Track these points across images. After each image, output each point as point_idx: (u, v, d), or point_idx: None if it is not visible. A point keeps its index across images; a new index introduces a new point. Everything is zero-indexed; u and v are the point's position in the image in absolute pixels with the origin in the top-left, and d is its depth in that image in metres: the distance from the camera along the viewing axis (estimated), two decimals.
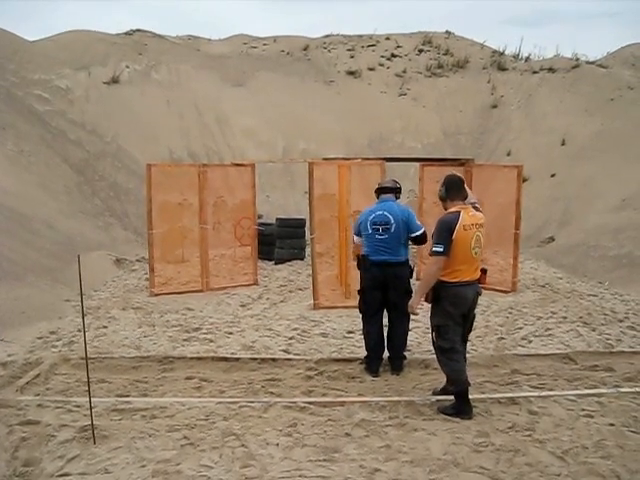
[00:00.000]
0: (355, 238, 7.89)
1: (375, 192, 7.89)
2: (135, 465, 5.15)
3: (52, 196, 16.14)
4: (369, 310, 7.61)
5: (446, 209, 6.24)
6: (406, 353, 7.80)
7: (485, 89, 26.36)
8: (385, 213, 7.44)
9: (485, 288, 11.68)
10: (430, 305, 6.30)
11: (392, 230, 7.38)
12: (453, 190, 6.22)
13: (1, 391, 6.78)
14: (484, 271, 6.33)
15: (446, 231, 5.97)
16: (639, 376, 7.25)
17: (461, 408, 6.17)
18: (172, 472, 5.04)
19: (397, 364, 7.54)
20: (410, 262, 7.67)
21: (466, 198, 6.26)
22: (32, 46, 23.79)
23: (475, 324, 9.33)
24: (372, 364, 7.50)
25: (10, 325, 9.11)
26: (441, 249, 5.95)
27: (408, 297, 7.49)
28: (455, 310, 6.10)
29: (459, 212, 6.05)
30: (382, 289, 7.46)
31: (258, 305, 10.93)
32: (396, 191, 7.80)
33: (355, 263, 8.04)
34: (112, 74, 23.20)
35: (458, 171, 12.28)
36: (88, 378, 5.84)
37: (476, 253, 6.08)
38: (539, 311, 10.33)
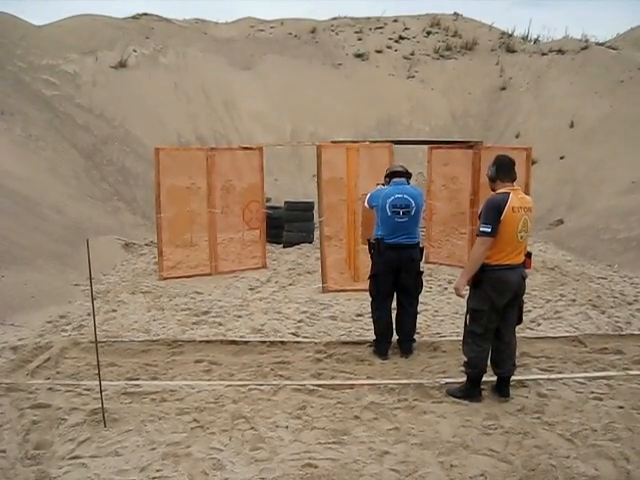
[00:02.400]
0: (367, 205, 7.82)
1: (386, 177, 7.82)
2: (145, 448, 5.19)
3: (60, 181, 16.16)
4: (380, 295, 7.59)
5: (494, 190, 6.11)
6: (415, 336, 7.80)
7: (493, 71, 26.22)
8: (406, 196, 7.39)
9: None
10: (469, 288, 6.13)
11: (412, 213, 7.38)
12: (504, 171, 6.08)
13: (12, 375, 6.83)
14: (529, 255, 6.20)
15: (494, 211, 5.84)
16: None
17: (471, 392, 6.17)
18: (182, 455, 5.07)
19: (407, 347, 7.54)
20: (421, 244, 7.66)
21: (515, 180, 6.13)
22: (39, 31, 23.76)
23: None
24: (381, 347, 7.50)
25: (20, 309, 9.15)
26: (489, 229, 5.81)
27: (419, 279, 7.51)
28: (496, 295, 5.95)
29: (508, 193, 5.91)
30: (395, 272, 7.45)
31: (267, 288, 10.94)
32: (407, 176, 7.74)
33: (366, 248, 7.95)
34: (119, 58, 23.15)
35: (467, 154, 12.29)
36: (98, 362, 5.87)
37: (522, 237, 5.92)
38: (548, 294, 10.32)
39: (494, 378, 6.34)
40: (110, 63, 22.90)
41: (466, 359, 6.23)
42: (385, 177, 7.85)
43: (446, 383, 6.47)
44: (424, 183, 14.31)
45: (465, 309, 6.23)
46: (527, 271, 6.23)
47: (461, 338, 7.82)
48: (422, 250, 7.69)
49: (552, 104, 23.04)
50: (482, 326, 6.03)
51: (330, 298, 10.17)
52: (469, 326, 6.15)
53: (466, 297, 6.19)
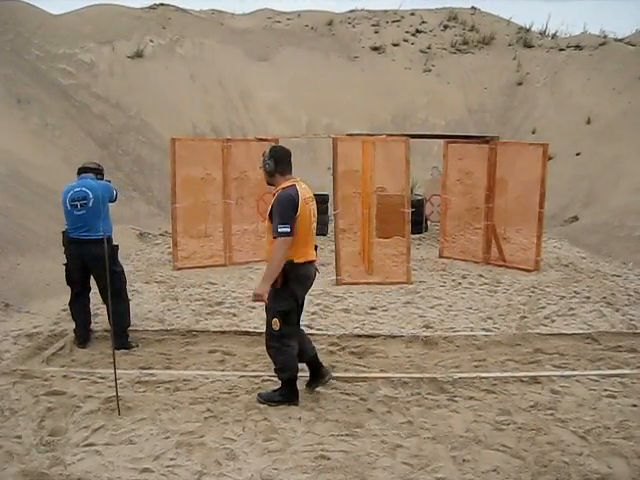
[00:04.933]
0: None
1: (77, 173, 7.76)
2: (159, 436, 5.22)
3: (76, 170, 16.22)
4: (74, 287, 7.53)
5: (273, 184, 5.86)
6: (429, 331, 7.83)
7: (511, 66, 26.10)
8: (84, 189, 7.37)
9: (508, 267, 11.76)
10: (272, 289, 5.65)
11: (90, 205, 7.31)
12: (282, 162, 5.80)
13: (27, 362, 6.88)
14: (315, 247, 5.97)
15: (291, 208, 5.55)
16: None
17: (290, 395, 5.94)
18: (195, 444, 5.09)
19: (119, 343, 7.13)
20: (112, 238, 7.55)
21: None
22: (56, 20, 23.84)
23: (497, 302, 9.43)
24: (81, 336, 7.53)
25: (35, 297, 9.22)
26: (288, 229, 5.48)
27: (115, 276, 7.18)
28: (302, 292, 5.83)
29: (295, 185, 5.71)
30: (84, 268, 7.39)
31: None
32: (97, 172, 7.75)
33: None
34: (136, 48, 23.23)
35: (482, 149, 12.25)
36: (114, 350, 5.93)
37: (314, 228, 5.83)
38: (562, 290, 10.27)
39: (506, 374, 6.33)
40: (127, 53, 22.99)
41: (279, 365, 5.90)
42: (77, 174, 7.77)
43: (459, 378, 6.46)
44: (439, 178, 14.29)
45: (272, 312, 5.77)
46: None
47: (474, 333, 7.90)
48: (114, 247, 7.50)
49: (569, 100, 22.93)
50: (292, 325, 5.84)
51: (344, 291, 10.16)
52: (280, 330, 5.75)
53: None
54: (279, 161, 5.78)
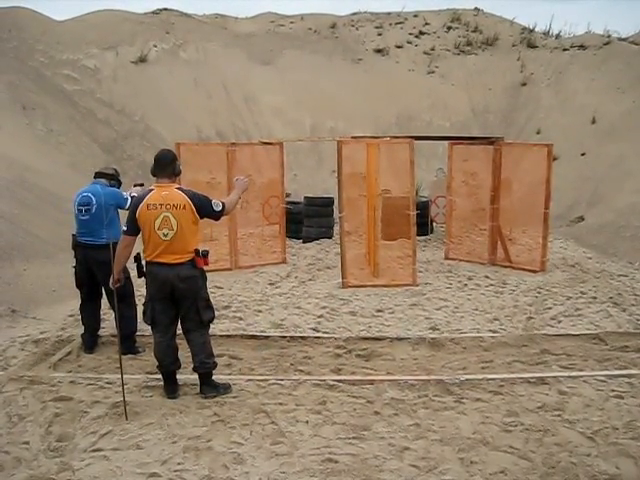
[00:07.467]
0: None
1: (93, 177, 7.79)
2: (166, 441, 5.22)
3: (82, 175, 16.21)
4: (82, 290, 7.56)
5: None
6: (435, 333, 7.83)
7: (514, 67, 26.04)
8: (89, 194, 7.40)
9: (514, 268, 11.71)
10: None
11: (93, 211, 7.33)
12: (157, 166, 6.07)
13: (34, 368, 6.90)
14: (198, 253, 5.96)
15: (132, 209, 5.97)
16: None
17: (164, 388, 6.21)
18: (203, 448, 5.10)
19: (126, 346, 7.21)
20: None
21: (175, 175, 6.11)
22: (60, 26, 23.93)
23: (503, 303, 9.38)
24: (88, 341, 7.56)
25: (42, 303, 9.24)
26: (125, 227, 6.02)
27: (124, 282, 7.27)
28: (153, 289, 5.98)
29: (152, 190, 5.94)
30: (89, 271, 7.39)
31: (287, 283, 10.94)
32: (110, 177, 7.73)
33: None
34: (140, 53, 23.28)
35: (487, 150, 12.23)
36: (120, 355, 5.94)
37: (165, 235, 5.83)
38: (568, 291, 10.23)
39: (513, 375, 6.32)
40: (130, 58, 23.04)
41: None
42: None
43: (466, 379, 6.45)
44: (444, 179, 14.27)
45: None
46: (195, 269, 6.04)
47: (480, 335, 7.90)
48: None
49: (573, 100, 22.88)
50: (148, 317, 6.05)
51: (350, 293, 10.15)
52: (144, 315, 6.17)
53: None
54: (154, 165, 6.11)
